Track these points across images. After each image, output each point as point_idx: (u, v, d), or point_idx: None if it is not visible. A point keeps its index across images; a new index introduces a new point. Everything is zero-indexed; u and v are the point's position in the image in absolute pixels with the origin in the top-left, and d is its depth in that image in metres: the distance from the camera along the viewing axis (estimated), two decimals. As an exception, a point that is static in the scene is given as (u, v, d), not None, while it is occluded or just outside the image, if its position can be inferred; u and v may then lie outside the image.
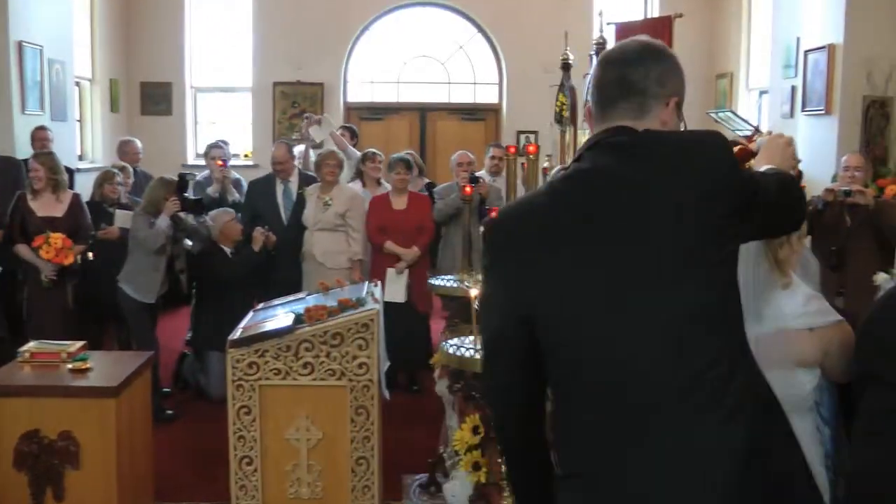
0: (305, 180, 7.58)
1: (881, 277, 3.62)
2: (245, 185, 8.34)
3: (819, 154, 8.79)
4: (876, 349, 2.55)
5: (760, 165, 2.62)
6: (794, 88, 10.20)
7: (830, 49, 9.28)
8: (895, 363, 2.48)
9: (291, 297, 5.32)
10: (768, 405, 2.21)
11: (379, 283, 5.48)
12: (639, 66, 2.19)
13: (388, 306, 6.06)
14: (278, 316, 4.67)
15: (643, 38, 2.28)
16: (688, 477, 1.97)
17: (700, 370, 2.00)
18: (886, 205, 5.98)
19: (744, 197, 2.15)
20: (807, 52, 9.79)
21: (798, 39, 10.05)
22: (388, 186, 7.72)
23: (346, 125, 10.02)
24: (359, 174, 7.95)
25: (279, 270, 7.18)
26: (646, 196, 2.04)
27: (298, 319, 4.44)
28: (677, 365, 2.00)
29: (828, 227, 5.84)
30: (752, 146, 2.85)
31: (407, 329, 6.86)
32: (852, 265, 5.71)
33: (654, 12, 12.85)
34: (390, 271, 7.11)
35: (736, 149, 2.59)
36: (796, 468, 2.22)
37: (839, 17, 9.15)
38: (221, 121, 13.12)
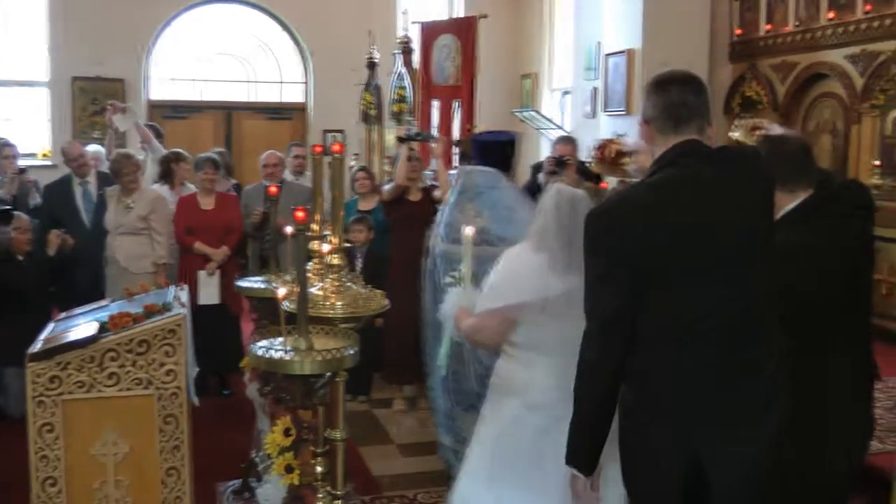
0: (105, 180, 7.33)
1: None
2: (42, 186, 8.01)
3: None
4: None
5: (643, 163, 3.42)
6: (595, 90, 10.64)
7: (629, 53, 9.74)
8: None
9: (94, 305, 5.14)
10: None
11: (185, 286, 5.37)
12: (694, 92, 2.85)
13: (199, 309, 5.96)
14: (81, 325, 4.49)
15: (681, 70, 2.96)
16: (754, 414, 2.74)
17: (766, 334, 2.77)
18: None
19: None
20: (607, 55, 10.23)
21: (598, 43, 10.48)
22: (191, 187, 7.58)
23: (150, 123, 9.72)
24: (168, 174, 7.73)
25: (81, 277, 6.92)
26: (735, 196, 2.75)
27: (102, 328, 4.28)
28: (755, 328, 2.75)
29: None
30: (618, 146, 3.45)
31: (218, 331, 6.77)
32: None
33: (459, 12, 13.09)
34: (202, 274, 6.98)
35: (614, 147, 3.27)
36: None
37: (637, 23, 9.63)
38: (16, 117, 12.45)
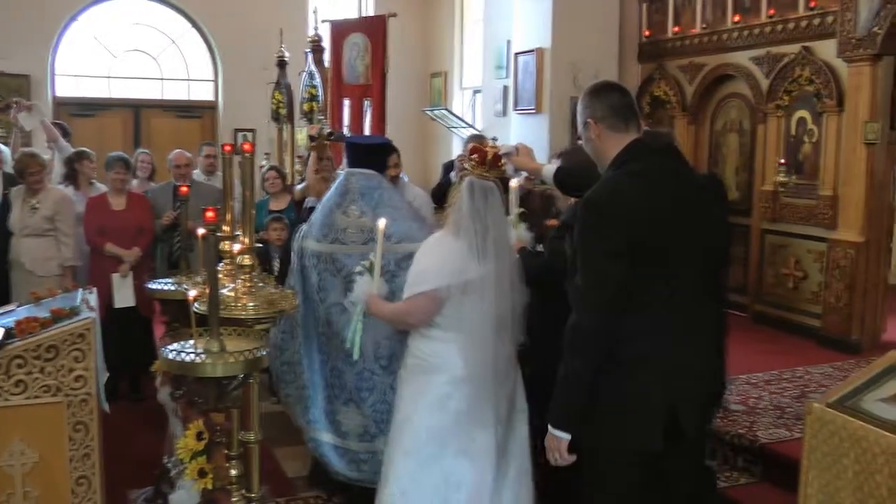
0: (10, 181, 7.15)
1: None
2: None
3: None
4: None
5: (525, 166, 4.09)
6: (506, 88, 10.72)
7: (539, 52, 9.83)
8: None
9: (0, 310, 5.03)
10: None
11: (94, 289, 5.27)
12: (629, 96, 3.35)
13: (109, 311, 5.84)
14: (-15, 332, 4.39)
15: (607, 79, 3.57)
16: (708, 355, 3.26)
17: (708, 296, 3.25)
18: None
19: None
20: (517, 54, 10.31)
21: (508, 42, 10.57)
22: (100, 187, 7.43)
23: (57, 122, 9.46)
24: (72, 174, 7.57)
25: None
26: (693, 183, 3.29)
27: (8, 334, 4.16)
28: (706, 292, 3.22)
29: (533, 213, 6.25)
30: (494, 149, 3.93)
31: (129, 334, 6.67)
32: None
33: (369, 11, 13.08)
34: (115, 276, 6.86)
35: (491, 150, 3.85)
36: None
37: (546, 22, 9.73)
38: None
